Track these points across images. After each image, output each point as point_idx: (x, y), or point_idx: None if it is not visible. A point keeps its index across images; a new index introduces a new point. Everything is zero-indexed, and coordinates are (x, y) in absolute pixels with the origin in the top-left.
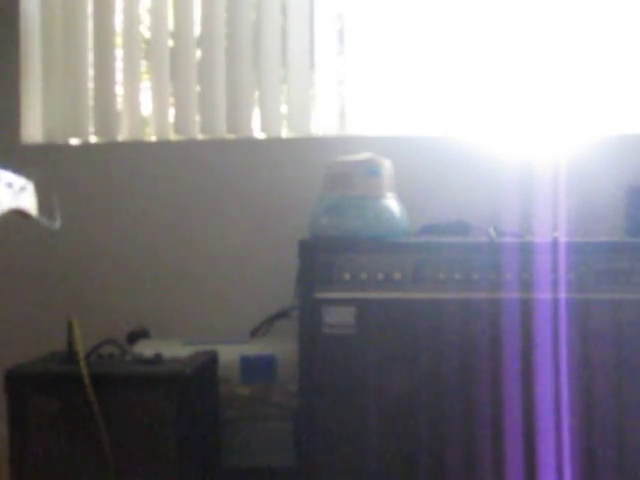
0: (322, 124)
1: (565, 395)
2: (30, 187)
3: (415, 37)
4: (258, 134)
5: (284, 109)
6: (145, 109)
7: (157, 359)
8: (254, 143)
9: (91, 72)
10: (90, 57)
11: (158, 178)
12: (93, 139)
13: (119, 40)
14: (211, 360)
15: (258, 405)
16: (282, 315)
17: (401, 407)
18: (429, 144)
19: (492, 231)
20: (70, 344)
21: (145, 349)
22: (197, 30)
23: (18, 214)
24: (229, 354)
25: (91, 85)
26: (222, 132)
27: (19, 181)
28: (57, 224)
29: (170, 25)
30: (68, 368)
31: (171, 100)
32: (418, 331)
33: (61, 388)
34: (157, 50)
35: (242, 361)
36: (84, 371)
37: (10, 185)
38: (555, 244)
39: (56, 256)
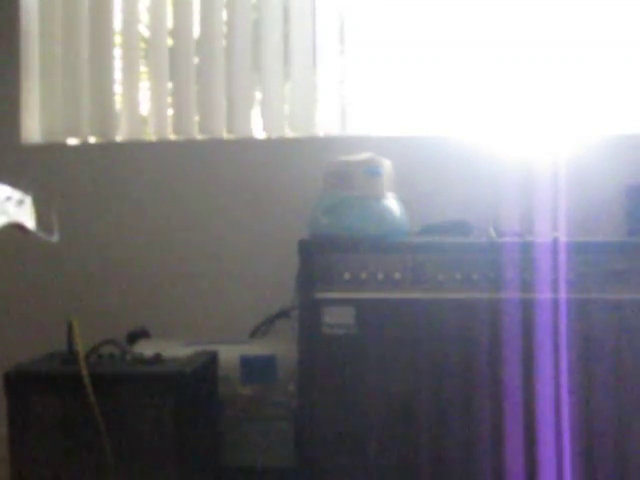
0: (323, 124)
1: (565, 394)
2: (28, 200)
3: (416, 37)
4: (260, 134)
5: (286, 109)
6: (144, 109)
7: (157, 359)
8: (254, 143)
9: (90, 72)
10: (89, 56)
11: (157, 178)
12: (92, 139)
13: (118, 39)
14: (211, 360)
15: (258, 405)
16: (282, 315)
17: (401, 407)
18: (429, 144)
19: (492, 231)
20: (70, 344)
21: (145, 349)
22: (197, 29)
23: (16, 228)
24: (229, 354)
25: (90, 85)
26: (221, 132)
27: (17, 195)
28: (55, 237)
29: (169, 24)
30: (68, 368)
31: (170, 100)
32: (418, 331)
33: (61, 388)
34: (156, 49)
35: (242, 361)
36: (84, 371)
37: (8, 199)
38: (555, 244)
39: (56, 256)
